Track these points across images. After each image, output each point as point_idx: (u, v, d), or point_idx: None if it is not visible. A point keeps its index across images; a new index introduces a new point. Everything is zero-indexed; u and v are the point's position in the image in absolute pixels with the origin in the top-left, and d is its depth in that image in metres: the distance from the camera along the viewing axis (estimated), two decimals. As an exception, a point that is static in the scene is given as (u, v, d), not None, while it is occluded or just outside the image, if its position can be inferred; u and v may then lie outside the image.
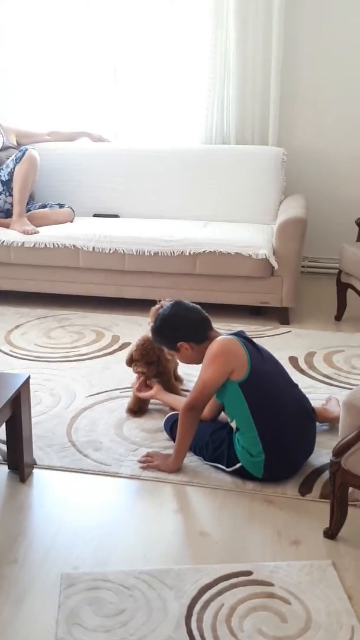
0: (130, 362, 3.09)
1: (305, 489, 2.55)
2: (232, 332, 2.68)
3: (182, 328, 2.65)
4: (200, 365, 2.60)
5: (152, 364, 3.05)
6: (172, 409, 2.98)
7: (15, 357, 3.69)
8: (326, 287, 4.67)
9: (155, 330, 2.73)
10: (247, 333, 2.72)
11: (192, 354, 2.66)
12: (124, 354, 3.70)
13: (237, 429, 2.56)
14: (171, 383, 3.13)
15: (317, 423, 2.82)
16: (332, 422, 2.93)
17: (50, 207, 4.69)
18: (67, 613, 1.93)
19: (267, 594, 2.02)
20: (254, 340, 2.68)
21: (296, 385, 2.76)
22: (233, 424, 2.57)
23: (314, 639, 1.86)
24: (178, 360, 3.00)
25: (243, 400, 2.49)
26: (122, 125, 5.26)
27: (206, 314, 2.72)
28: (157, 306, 3.40)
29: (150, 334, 2.89)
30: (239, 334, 2.64)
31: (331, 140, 5.02)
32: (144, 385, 3.05)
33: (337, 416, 2.88)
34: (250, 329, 4.05)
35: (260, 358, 2.59)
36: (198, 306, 2.72)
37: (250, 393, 2.49)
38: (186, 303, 2.74)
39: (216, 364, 2.51)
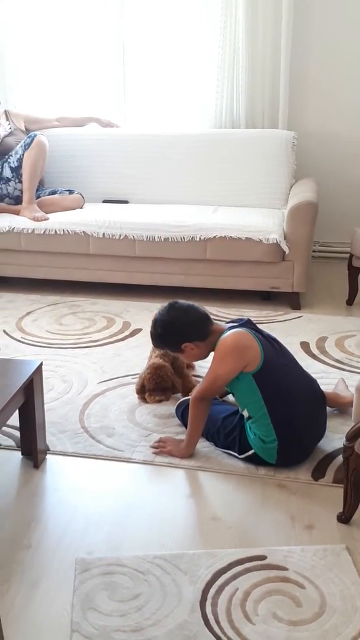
0: (142, 391, 3.06)
1: (318, 473, 2.55)
2: (239, 321, 2.63)
3: (185, 330, 2.59)
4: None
5: (167, 389, 3.04)
6: (184, 394, 2.98)
7: (26, 343, 3.70)
8: (337, 271, 4.65)
9: (157, 337, 2.67)
10: (258, 319, 2.70)
11: (197, 352, 2.64)
12: (135, 340, 3.72)
13: (249, 418, 2.55)
14: (183, 371, 3.12)
15: (328, 407, 2.81)
16: (343, 407, 2.92)
17: (59, 193, 4.68)
18: (82, 598, 1.94)
19: (281, 578, 2.02)
20: (262, 326, 2.65)
21: (302, 368, 2.75)
22: (245, 413, 2.56)
23: (328, 623, 1.86)
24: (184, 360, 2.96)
25: (257, 391, 2.48)
26: (131, 110, 5.24)
27: (204, 310, 2.67)
28: None
29: (157, 362, 2.88)
30: (248, 324, 2.60)
31: (342, 122, 4.97)
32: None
33: (348, 401, 2.88)
34: (262, 314, 4.04)
35: (271, 347, 2.57)
36: (194, 303, 2.67)
37: (264, 383, 2.48)
38: (181, 303, 2.67)
39: (230, 359, 2.48)
